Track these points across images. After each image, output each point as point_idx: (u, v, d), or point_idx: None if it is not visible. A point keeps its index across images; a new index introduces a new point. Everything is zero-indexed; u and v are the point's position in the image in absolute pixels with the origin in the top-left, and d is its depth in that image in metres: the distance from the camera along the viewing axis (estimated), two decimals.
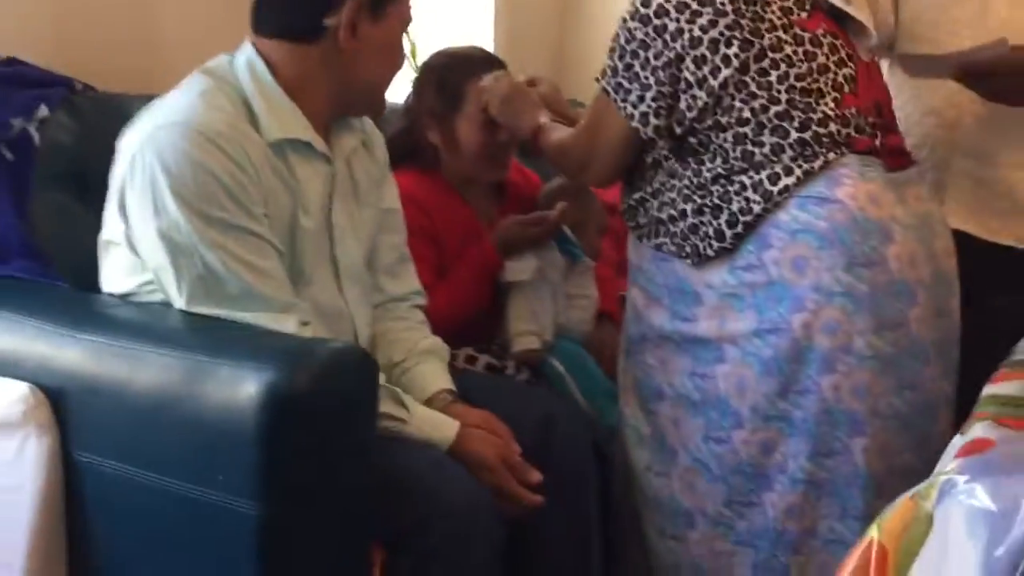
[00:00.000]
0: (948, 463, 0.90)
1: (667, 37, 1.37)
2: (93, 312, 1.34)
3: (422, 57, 1.96)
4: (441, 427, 1.36)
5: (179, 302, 1.26)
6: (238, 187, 1.25)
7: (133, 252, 1.30)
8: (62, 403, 1.26)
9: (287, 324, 1.26)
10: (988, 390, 1.07)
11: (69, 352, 1.27)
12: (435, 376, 1.48)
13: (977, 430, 0.95)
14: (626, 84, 1.41)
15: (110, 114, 1.62)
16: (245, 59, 1.35)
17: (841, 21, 1.47)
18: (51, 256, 1.48)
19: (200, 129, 1.25)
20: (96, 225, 1.43)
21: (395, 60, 1.43)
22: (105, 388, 1.24)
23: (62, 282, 1.44)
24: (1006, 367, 1.14)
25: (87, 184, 1.55)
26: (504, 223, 1.81)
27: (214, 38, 1.94)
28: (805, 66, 1.38)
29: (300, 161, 1.35)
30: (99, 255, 1.38)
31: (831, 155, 1.35)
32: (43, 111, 1.53)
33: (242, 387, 1.12)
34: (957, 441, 0.96)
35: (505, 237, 1.78)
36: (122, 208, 1.29)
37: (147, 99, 1.68)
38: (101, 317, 1.32)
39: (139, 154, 1.25)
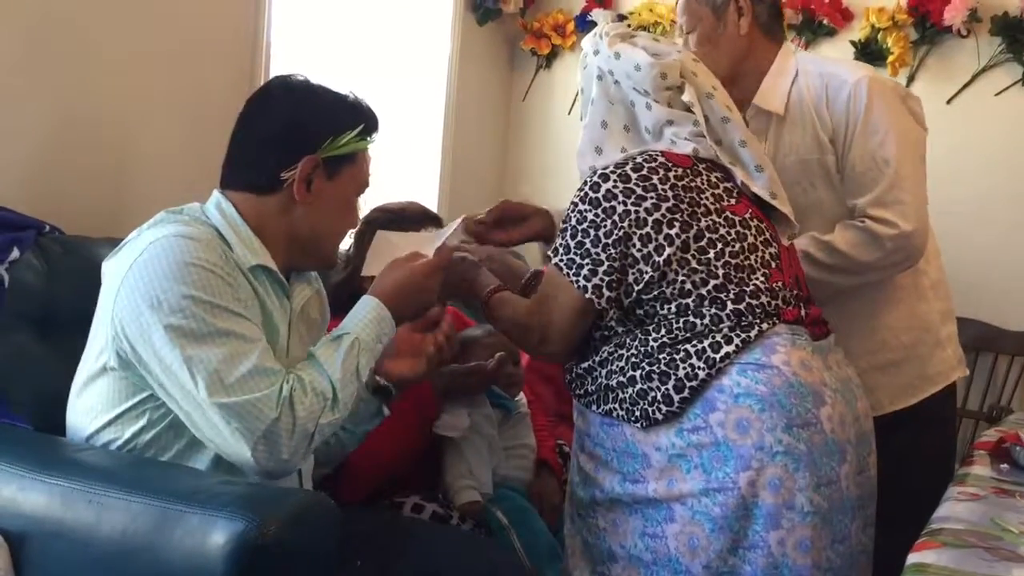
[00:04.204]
0: None
1: (616, 218, 1.48)
2: (60, 455, 1.33)
3: (365, 208, 2.04)
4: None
5: (199, 395, 1.26)
6: (230, 278, 1.33)
7: (125, 369, 1.32)
8: (24, 547, 1.23)
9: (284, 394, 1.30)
10: (912, 558, 1.13)
11: (33, 495, 1.25)
12: None
13: None
14: (579, 260, 1.50)
15: (77, 257, 1.66)
16: (214, 202, 1.45)
17: (763, 207, 1.61)
18: (9, 396, 1.47)
19: (188, 236, 1.34)
20: (58, 366, 1.44)
21: (347, 217, 1.53)
22: (70, 534, 1.22)
23: (22, 423, 1.43)
24: (925, 536, 1.22)
25: (51, 325, 1.57)
26: (440, 372, 1.82)
27: (178, 188, 2.02)
28: (738, 245, 1.51)
29: (268, 292, 1.43)
30: (73, 393, 1.38)
31: (764, 325, 1.46)
32: (15, 253, 1.55)
33: (211, 536, 1.13)
34: None
35: (441, 385, 1.82)
36: (116, 323, 1.30)
37: (112, 242, 1.73)
38: (68, 460, 1.31)
39: (136, 266, 1.31)
